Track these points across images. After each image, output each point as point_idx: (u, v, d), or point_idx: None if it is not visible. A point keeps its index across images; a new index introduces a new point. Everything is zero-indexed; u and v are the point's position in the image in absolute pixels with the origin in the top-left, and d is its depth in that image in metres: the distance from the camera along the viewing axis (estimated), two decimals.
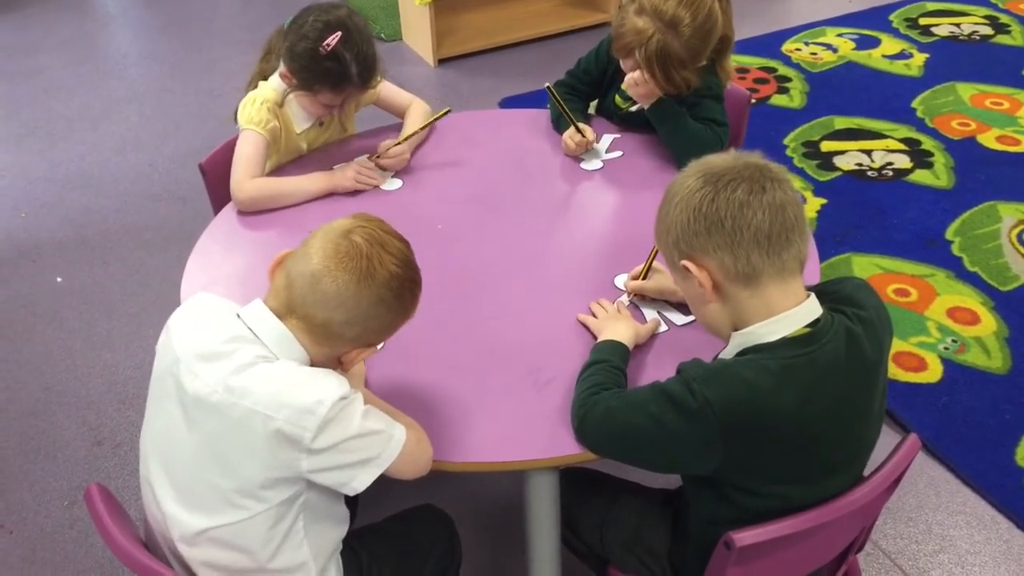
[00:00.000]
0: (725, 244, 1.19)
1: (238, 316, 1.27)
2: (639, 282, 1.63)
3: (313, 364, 1.27)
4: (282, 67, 1.95)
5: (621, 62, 2.00)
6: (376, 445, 1.24)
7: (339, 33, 1.87)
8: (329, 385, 1.21)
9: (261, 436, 1.19)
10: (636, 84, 1.96)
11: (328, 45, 1.87)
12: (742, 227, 1.18)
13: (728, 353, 1.27)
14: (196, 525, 1.27)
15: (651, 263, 1.63)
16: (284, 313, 1.26)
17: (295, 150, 2.09)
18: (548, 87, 2.07)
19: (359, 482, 1.24)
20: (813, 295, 1.25)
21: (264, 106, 1.96)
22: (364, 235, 1.25)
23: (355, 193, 1.98)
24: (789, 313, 1.21)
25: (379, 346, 1.44)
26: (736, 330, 1.25)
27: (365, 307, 1.24)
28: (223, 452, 1.22)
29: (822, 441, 1.24)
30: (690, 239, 1.22)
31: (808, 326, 1.21)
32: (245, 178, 1.92)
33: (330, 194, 1.98)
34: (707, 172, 1.22)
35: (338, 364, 1.31)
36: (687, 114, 1.98)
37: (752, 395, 1.17)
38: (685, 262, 1.23)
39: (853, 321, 1.24)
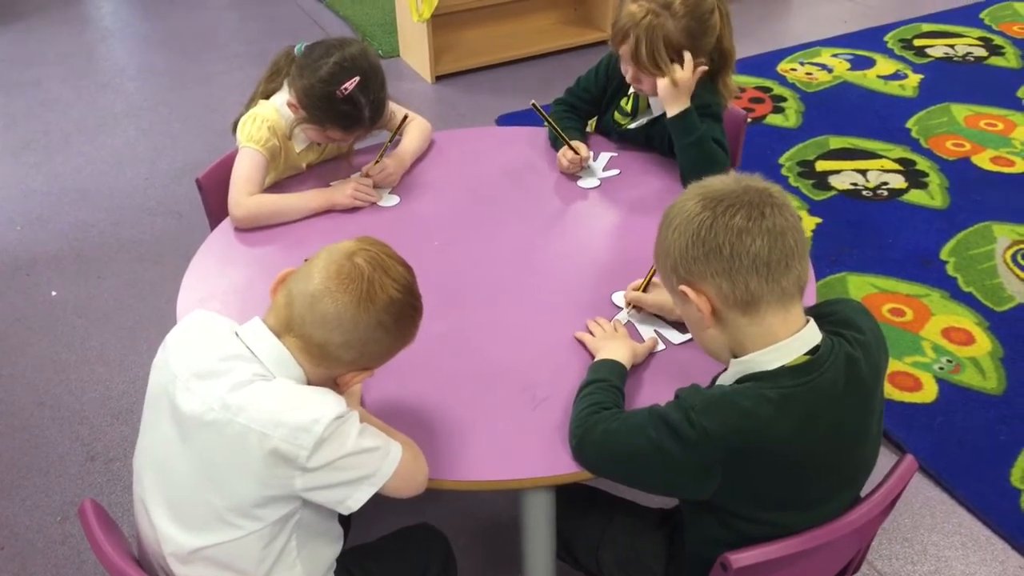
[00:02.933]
0: (723, 270, 1.18)
1: (236, 334, 1.27)
2: (638, 293, 1.63)
3: (310, 384, 1.27)
4: (291, 97, 1.95)
5: (621, 65, 2.01)
6: (371, 463, 1.24)
7: (357, 78, 1.87)
8: (326, 404, 1.21)
9: (256, 454, 1.18)
10: (679, 76, 1.91)
11: (346, 89, 1.87)
12: (740, 254, 1.17)
13: (727, 379, 1.26)
14: (190, 544, 1.26)
15: (651, 278, 1.63)
16: (282, 332, 1.25)
17: (294, 167, 2.09)
18: (533, 104, 2.07)
19: (354, 500, 1.24)
20: (812, 321, 1.24)
21: (265, 125, 1.96)
22: (367, 258, 1.25)
23: (353, 209, 1.99)
24: (788, 341, 1.20)
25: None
26: (735, 356, 1.25)
27: (363, 330, 1.23)
28: (217, 470, 1.22)
29: (820, 468, 1.24)
30: (688, 264, 1.21)
31: (807, 353, 1.21)
32: (243, 195, 1.92)
33: (328, 211, 1.98)
34: (706, 196, 1.21)
35: (335, 385, 1.30)
36: (708, 134, 1.97)
37: (750, 425, 1.17)
38: (683, 287, 1.22)
39: (853, 346, 1.23)
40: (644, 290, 1.64)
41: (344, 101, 1.88)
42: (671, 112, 1.96)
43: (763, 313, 1.20)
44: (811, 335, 1.22)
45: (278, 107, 1.99)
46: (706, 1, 1.90)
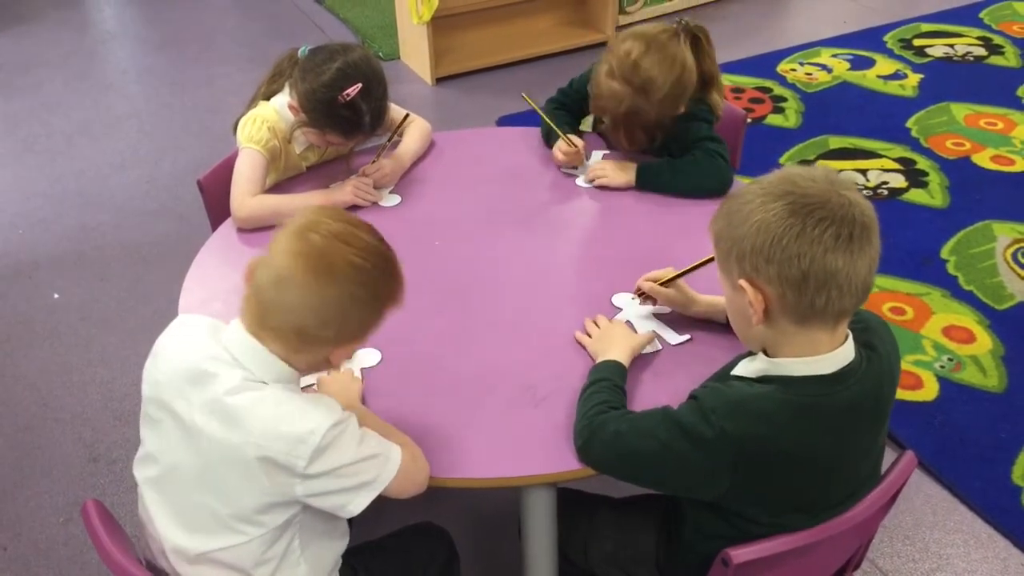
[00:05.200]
0: (794, 281, 1.13)
1: (220, 339, 1.25)
2: (657, 286, 1.59)
3: (299, 373, 1.25)
4: (292, 100, 1.95)
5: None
6: (372, 468, 1.24)
7: (360, 84, 1.87)
8: (321, 413, 1.19)
9: (255, 465, 1.18)
10: (605, 173, 2.02)
11: (347, 95, 1.87)
12: (818, 272, 1.12)
13: (748, 370, 1.24)
14: (193, 548, 1.26)
15: (677, 278, 1.59)
16: (258, 328, 1.21)
17: (295, 168, 2.10)
18: (524, 95, 2.08)
19: (355, 505, 1.24)
20: (851, 337, 1.22)
21: (265, 125, 1.96)
22: (320, 231, 1.18)
23: (353, 209, 1.99)
24: (826, 356, 1.19)
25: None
26: (767, 353, 1.23)
27: (333, 306, 1.19)
28: (218, 478, 1.21)
29: (831, 477, 1.24)
30: (758, 263, 1.15)
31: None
32: (245, 196, 1.93)
33: None
34: (795, 199, 1.14)
35: (327, 365, 1.28)
36: (670, 160, 2.00)
37: (769, 431, 1.17)
38: (743, 281, 1.18)
39: (883, 361, 1.23)
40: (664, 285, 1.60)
41: (345, 107, 1.89)
42: (624, 184, 2.01)
43: (815, 327, 1.17)
44: (847, 352, 1.21)
45: (278, 108, 1.99)
46: (685, 70, 1.92)
